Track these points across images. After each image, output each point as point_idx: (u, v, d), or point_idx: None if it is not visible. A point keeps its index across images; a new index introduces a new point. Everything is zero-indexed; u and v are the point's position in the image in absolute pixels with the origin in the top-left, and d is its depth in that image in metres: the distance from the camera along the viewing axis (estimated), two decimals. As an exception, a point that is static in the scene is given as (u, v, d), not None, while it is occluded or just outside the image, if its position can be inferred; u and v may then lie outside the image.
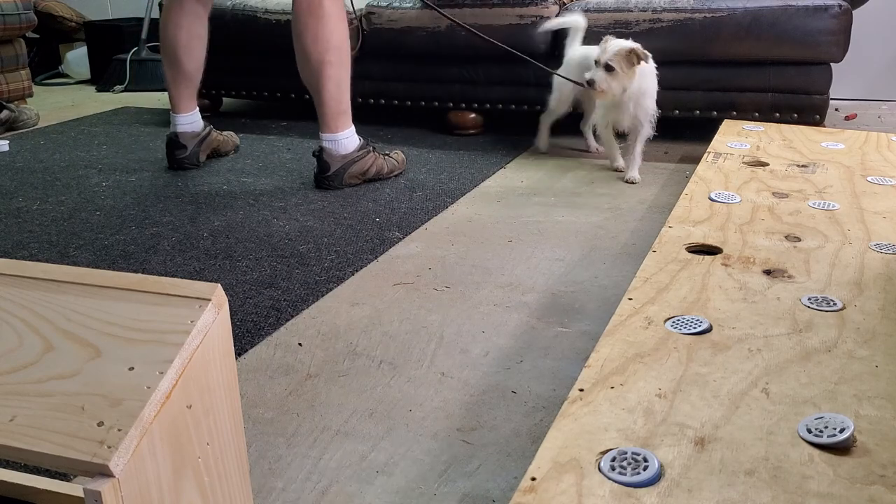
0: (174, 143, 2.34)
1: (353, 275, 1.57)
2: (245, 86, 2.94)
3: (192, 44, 2.23)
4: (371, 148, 2.19)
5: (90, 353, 0.64)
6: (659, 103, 2.52)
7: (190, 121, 2.35)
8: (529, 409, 1.10)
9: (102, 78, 3.84)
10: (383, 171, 2.20)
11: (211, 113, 3.11)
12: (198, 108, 2.36)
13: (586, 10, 2.49)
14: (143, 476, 0.59)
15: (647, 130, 2.20)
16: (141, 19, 3.90)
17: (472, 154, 2.46)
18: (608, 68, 2.07)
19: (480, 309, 1.41)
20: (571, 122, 2.56)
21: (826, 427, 0.81)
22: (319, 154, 2.13)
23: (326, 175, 2.13)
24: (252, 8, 2.82)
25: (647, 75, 2.14)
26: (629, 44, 2.07)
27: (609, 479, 0.75)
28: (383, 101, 2.80)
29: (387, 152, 2.26)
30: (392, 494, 0.93)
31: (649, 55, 2.09)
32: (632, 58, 2.07)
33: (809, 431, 0.81)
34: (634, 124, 2.19)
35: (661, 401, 0.88)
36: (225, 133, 2.52)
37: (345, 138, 2.12)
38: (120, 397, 0.61)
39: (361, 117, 2.74)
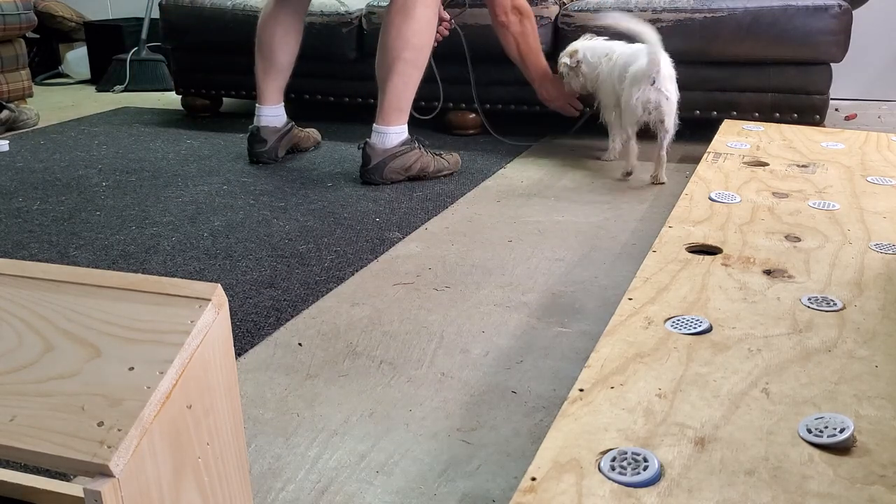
0: (255, 136, 2.37)
1: (353, 275, 1.57)
2: (245, 86, 2.94)
3: (288, 38, 2.30)
4: (418, 145, 2.19)
5: (90, 353, 0.64)
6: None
7: (274, 114, 2.37)
8: (529, 409, 1.10)
9: (102, 78, 3.84)
10: (429, 170, 2.19)
11: (211, 113, 3.11)
12: (283, 103, 2.39)
13: (586, 10, 2.49)
14: (143, 476, 0.59)
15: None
16: (141, 19, 3.90)
17: (472, 154, 2.46)
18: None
19: (480, 309, 1.41)
20: (571, 123, 2.56)
21: (826, 427, 0.81)
22: (364, 147, 2.16)
23: (367, 168, 2.15)
24: (252, 8, 2.82)
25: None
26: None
27: (609, 479, 0.75)
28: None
29: (440, 152, 2.25)
30: (392, 494, 0.93)
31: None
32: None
33: (809, 431, 0.81)
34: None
35: (661, 401, 0.88)
36: (307, 129, 2.55)
37: (393, 133, 2.14)
38: (120, 397, 0.61)
39: (361, 117, 2.74)
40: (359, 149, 2.18)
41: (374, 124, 2.14)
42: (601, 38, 2.30)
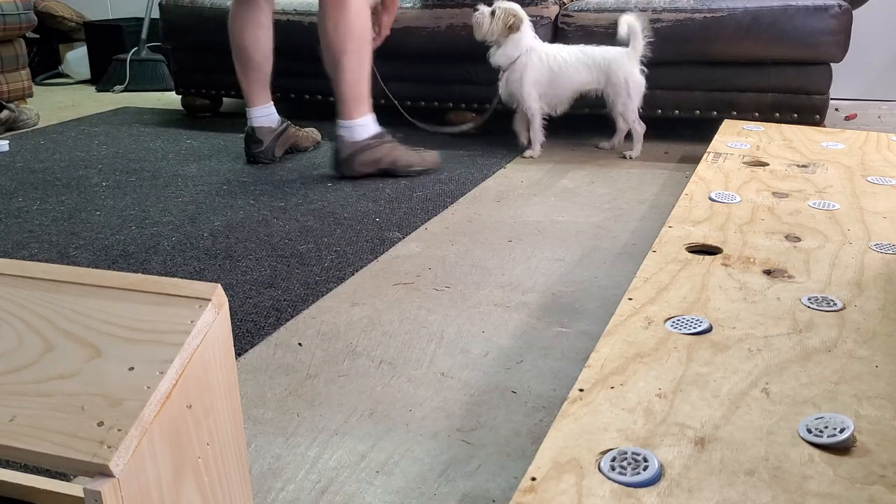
0: (251, 137, 2.37)
1: (353, 275, 1.57)
2: (245, 86, 2.93)
3: (258, 34, 2.28)
4: (389, 139, 2.20)
5: (90, 353, 0.64)
6: (659, 103, 2.54)
7: (264, 114, 2.37)
8: (529, 409, 1.10)
9: (102, 78, 3.85)
10: (399, 163, 2.20)
11: (211, 113, 3.11)
12: (272, 102, 2.38)
13: (586, 10, 2.49)
14: (143, 476, 0.59)
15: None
16: (141, 19, 3.90)
17: (472, 154, 2.46)
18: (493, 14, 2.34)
19: (480, 309, 1.41)
20: (572, 123, 2.56)
21: (826, 427, 0.81)
22: (335, 140, 2.18)
23: (338, 161, 2.17)
24: (252, 8, 2.82)
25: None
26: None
27: (609, 479, 0.75)
28: (383, 101, 2.80)
29: (418, 148, 2.26)
30: (392, 494, 0.93)
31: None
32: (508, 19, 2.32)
33: (809, 431, 0.81)
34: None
35: (661, 401, 0.88)
36: (305, 129, 2.55)
37: (360, 126, 2.16)
38: (120, 397, 0.61)
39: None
40: (329, 142, 2.22)
41: (339, 120, 2.16)
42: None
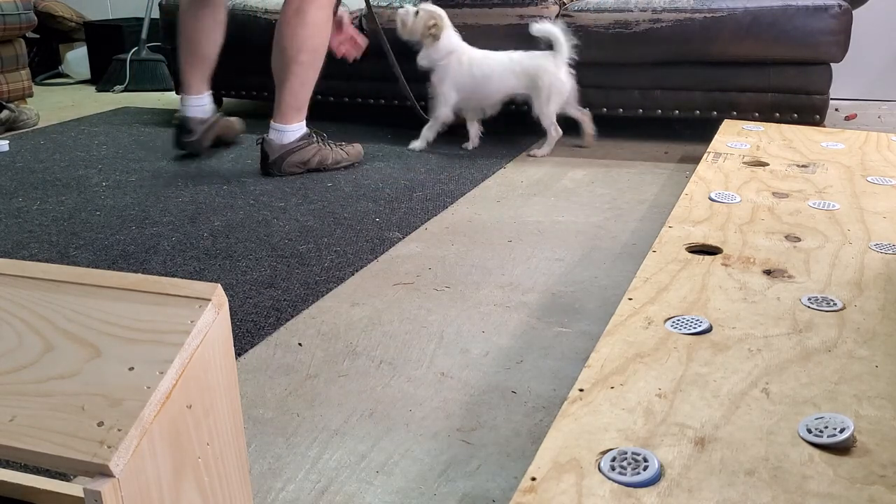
0: (182, 127, 2.39)
1: (353, 275, 1.57)
2: (245, 86, 2.94)
3: (215, 28, 2.31)
4: (315, 139, 2.26)
5: (90, 353, 0.64)
6: (659, 103, 2.54)
7: (200, 103, 2.39)
8: (529, 409, 1.10)
9: (102, 78, 3.84)
10: (327, 162, 2.27)
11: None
12: (210, 93, 2.40)
13: (586, 10, 2.49)
14: (143, 476, 0.59)
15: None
16: (141, 19, 3.90)
17: (472, 154, 2.46)
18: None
19: (480, 309, 1.41)
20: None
21: (826, 427, 0.81)
22: (262, 143, 2.24)
23: (266, 163, 2.23)
24: (252, 8, 2.82)
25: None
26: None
27: (609, 479, 0.75)
28: (383, 101, 2.80)
29: (342, 144, 2.32)
30: (392, 494, 0.93)
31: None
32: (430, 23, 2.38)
33: (809, 431, 0.81)
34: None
35: (661, 401, 0.88)
36: (230, 119, 2.57)
37: (290, 131, 2.22)
38: (120, 397, 0.61)
39: (361, 117, 2.75)
40: (257, 143, 2.26)
41: (272, 121, 2.21)
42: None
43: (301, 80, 2.16)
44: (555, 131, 2.43)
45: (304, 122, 2.24)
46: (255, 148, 2.57)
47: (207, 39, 2.31)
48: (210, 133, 2.43)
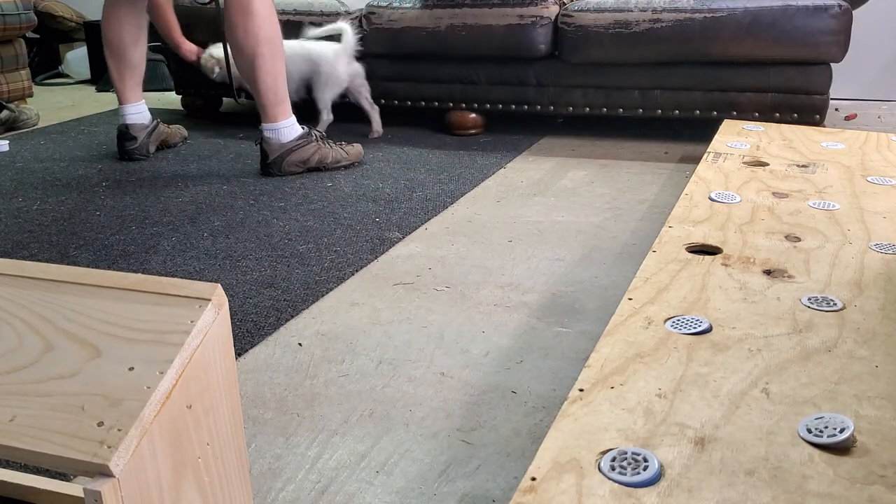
0: (124, 134, 2.43)
1: (353, 275, 1.57)
2: (244, 85, 2.93)
3: (138, 35, 2.36)
4: (314, 138, 2.27)
5: (90, 353, 0.64)
6: (659, 103, 2.54)
7: (138, 111, 2.44)
8: (529, 409, 1.10)
9: (102, 78, 3.84)
10: (327, 161, 2.28)
11: (211, 113, 3.11)
12: (144, 100, 2.47)
13: (586, 10, 2.49)
14: (143, 476, 0.59)
15: None
16: (141, 19, 3.89)
17: (472, 154, 2.46)
18: None
19: (480, 309, 1.41)
20: (572, 122, 2.56)
21: (826, 427, 0.81)
22: (261, 143, 2.24)
23: (267, 163, 2.24)
24: (252, 8, 2.82)
25: None
26: None
27: (609, 479, 0.75)
28: (383, 101, 2.80)
29: (342, 143, 2.33)
30: (392, 494, 0.93)
31: None
32: None
33: (809, 431, 0.81)
34: None
35: (661, 401, 0.88)
36: (172, 126, 2.63)
37: (284, 127, 2.22)
38: (120, 397, 0.61)
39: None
40: (256, 144, 2.28)
41: (262, 123, 2.22)
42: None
43: (270, 73, 2.15)
44: (326, 115, 2.62)
45: (293, 116, 2.24)
46: (254, 148, 2.57)
47: (134, 47, 2.35)
48: (153, 138, 2.48)
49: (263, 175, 2.24)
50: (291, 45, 2.53)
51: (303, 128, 2.26)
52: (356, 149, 2.35)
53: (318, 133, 2.30)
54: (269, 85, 2.16)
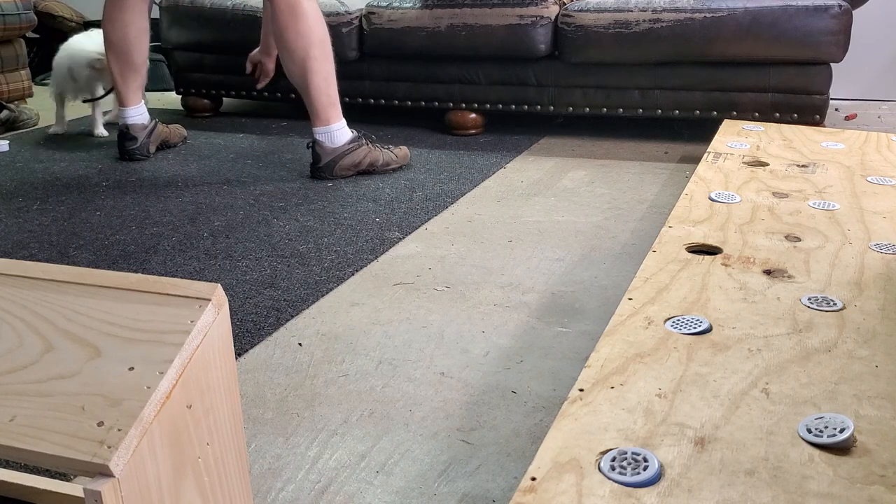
0: (125, 135, 2.44)
1: (353, 275, 1.57)
2: (245, 86, 2.94)
3: (140, 38, 2.35)
4: (365, 141, 2.25)
5: (90, 353, 0.64)
6: (659, 103, 2.54)
7: (138, 113, 2.45)
8: (529, 409, 1.10)
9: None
10: (377, 164, 2.25)
11: (211, 113, 3.11)
12: (144, 102, 2.48)
13: (586, 10, 2.49)
14: (143, 476, 0.59)
15: None
16: (141, 19, 3.89)
17: (472, 154, 2.46)
18: None
19: (480, 309, 1.41)
20: (572, 122, 2.57)
21: (826, 427, 0.81)
22: (312, 146, 2.22)
23: (318, 167, 2.22)
24: (252, 8, 2.82)
25: None
26: None
27: (609, 479, 0.75)
28: (383, 101, 2.80)
29: (389, 146, 2.30)
30: (392, 494, 0.93)
31: None
32: None
33: (809, 431, 0.81)
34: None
35: (661, 401, 0.88)
36: (171, 126, 2.63)
37: (336, 130, 2.20)
38: (120, 397, 0.61)
39: (361, 117, 2.74)
40: (307, 147, 2.25)
41: (314, 127, 2.20)
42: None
43: (322, 76, 2.14)
44: None
45: (343, 119, 2.21)
46: (254, 148, 2.57)
47: (138, 50, 2.35)
48: (153, 138, 2.48)
49: (313, 178, 2.22)
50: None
51: (352, 131, 2.23)
52: (403, 151, 2.32)
53: (367, 136, 2.28)
54: (321, 88, 2.14)
